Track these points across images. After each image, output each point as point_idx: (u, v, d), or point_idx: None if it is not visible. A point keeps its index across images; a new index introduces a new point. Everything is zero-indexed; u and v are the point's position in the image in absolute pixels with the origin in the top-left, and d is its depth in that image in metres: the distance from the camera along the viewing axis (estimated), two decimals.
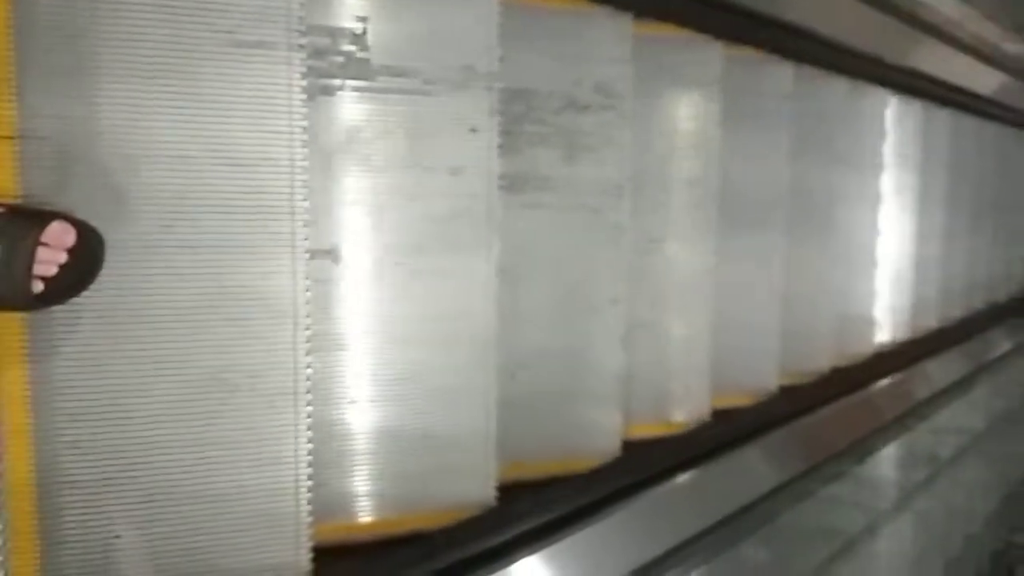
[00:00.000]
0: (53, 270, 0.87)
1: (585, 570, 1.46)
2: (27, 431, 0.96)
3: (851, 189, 2.51)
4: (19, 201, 0.91)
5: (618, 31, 1.53)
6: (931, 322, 3.15)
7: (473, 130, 1.27)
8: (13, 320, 0.92)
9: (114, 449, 1.00)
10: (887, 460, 2.68)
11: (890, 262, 2.77)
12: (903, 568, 2.74)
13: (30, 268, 0.85)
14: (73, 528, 1.01)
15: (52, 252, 0.87)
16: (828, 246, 2.41)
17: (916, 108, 2.83)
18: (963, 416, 3.26)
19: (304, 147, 1.06)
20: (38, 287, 0.86)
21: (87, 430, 0.98)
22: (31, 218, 0.87)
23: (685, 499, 1.79)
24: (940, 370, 3.09)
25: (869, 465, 2.55)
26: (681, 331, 1.83)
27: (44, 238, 0.86)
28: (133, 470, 1.01)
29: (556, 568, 1.43)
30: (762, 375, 2.15)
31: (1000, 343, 3.76)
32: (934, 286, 3.12)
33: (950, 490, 3.09)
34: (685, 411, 1.88)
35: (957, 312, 3.40)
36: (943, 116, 3.06)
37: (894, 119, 2.68)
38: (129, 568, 1.04)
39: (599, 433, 1.66)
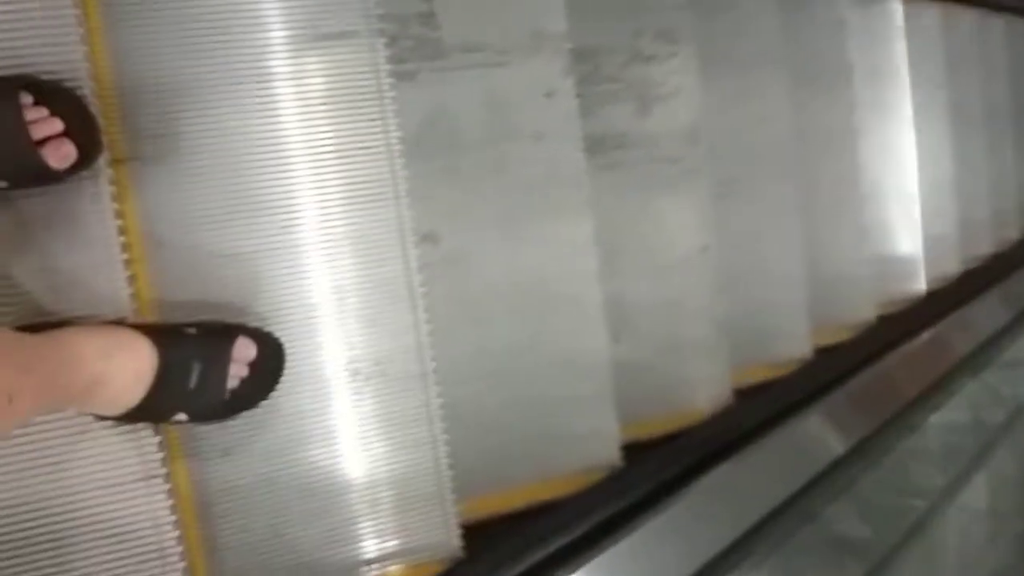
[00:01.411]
0: (237, 383, 0.91)
1: (723, 516, 1.45)
2: (178, 443, 0.98)
3: None
4: (207, 319, 0.94)
5: None
6: None
7: (549, 94, 1.27)
8: None
9: (265, 450, 1.02)
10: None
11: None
12: None
13: (224, 386, 0.88)
14: (235, 533, 1.03)
15: (238, 367, 0.90)
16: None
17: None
18: None
19: (397, 131, 1.07)
20: (227, 400, 0.90)
21: (236, 435, 1.01)
22: (220, 336, 0.90)
23: (805, 439, 1.77)
24: None
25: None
26: (774, 270, 1.81)
27: (232, 354, 0.89)
28: (285, 468, 1.03)
29: (692, 519, 1.42)
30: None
31: None
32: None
33: None
34: (787, 351, 1.86)
35: None
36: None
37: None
38: (291, 566, 1.06)
39: (707, 383, 1.65)
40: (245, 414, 1.00)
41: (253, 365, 0.91)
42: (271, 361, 0.94)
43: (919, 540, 1.93)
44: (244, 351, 0.90)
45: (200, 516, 1.01)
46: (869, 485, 1.84)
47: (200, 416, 0.89)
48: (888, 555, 1.80)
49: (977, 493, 2.33)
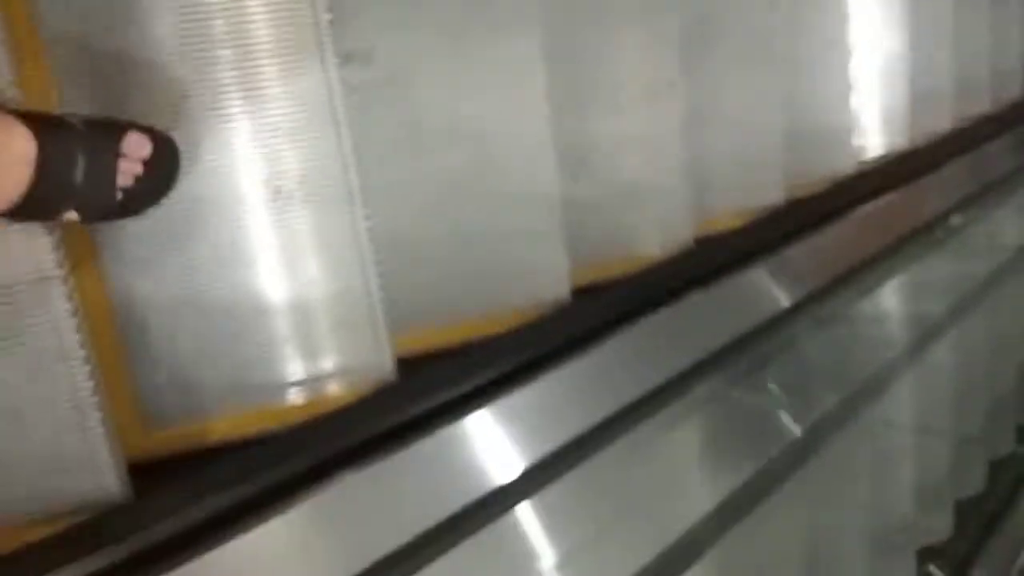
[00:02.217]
0: (131, 181, 0.86)
1: (667, 353, 1.46)
2: (89, 250, 0.96)
3: None
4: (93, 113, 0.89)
5: None
6: None
7: None
8: None
9: (184, 266, 1.00)
10: None
11: None
12: None
13: (113, 181, 0.83)
14: (158, 348, 1.02)
15: (130, 163, 0.85)
16: None
17: None
18: None
19: None
20: (119, 198, 0.85)
21: (152, 248, 0.98)
22: (107, 129, 0.85)
23: (757, 288, 1.75)
24: None
25: None
26: (749, 114, 1.74)
27: (122, 149, 0.84)
28: (208, 286, 1.01)
29: (638, 354, 1.42)
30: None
31: None
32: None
33: None
34: (758, 199, 1.81)
35: None
36: None
37: None
38: (219, 384, 1.06)
39: (665, 226, 1.61)
40: (162, 227, 0.98)
41: (147, 164, 0.87)
42: (166, 160, 0.90)
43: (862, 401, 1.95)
44: (136, 147, 0.86)
45: (118, 325, 1.00)
46: (821, 338, 1.84)
47: (92, 215, 0.86)
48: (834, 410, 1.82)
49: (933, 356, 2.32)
